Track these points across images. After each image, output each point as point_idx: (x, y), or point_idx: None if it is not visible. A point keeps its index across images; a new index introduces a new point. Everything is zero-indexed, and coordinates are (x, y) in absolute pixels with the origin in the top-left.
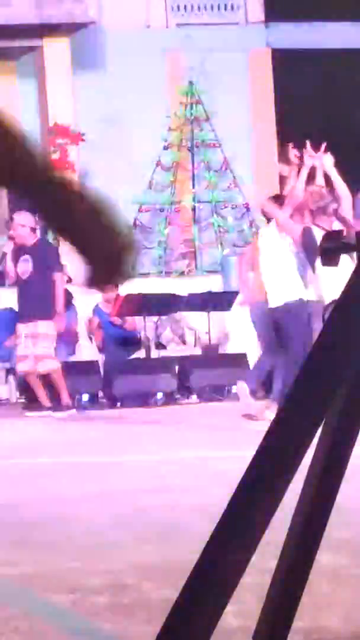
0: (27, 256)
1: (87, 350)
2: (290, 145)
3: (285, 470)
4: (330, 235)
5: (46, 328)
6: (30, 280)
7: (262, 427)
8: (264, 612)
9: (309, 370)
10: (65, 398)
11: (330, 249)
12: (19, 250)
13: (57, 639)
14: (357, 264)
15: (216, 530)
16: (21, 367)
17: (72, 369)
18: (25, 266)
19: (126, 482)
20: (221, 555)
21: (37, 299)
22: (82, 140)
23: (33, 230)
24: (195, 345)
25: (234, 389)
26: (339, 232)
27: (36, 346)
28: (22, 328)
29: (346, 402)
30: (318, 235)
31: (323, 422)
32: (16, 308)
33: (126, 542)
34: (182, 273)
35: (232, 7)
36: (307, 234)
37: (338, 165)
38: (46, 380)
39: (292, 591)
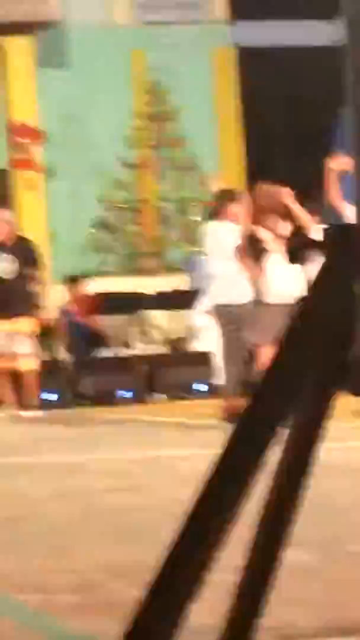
0: (7, 255)
1: (55, 349)
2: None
3: (249, 469)
4: (297, 233)
5: (27, 325)
6: (12, 278)
7: (226, 425)
8: (231, 610)
9: (272, 369)
10: (34, 397)
11: (298, 247)
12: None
13: (24, 638)
14: (324, 262)
15: (181, 528)
16: None
17: (40, 368)
18: (7, 265)
19: (93, 481)
20: (186, 553)
21: (19, 296)
22: (45, 139)
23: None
24: (162, 344)
25: (200, 386)
26: (306, 229)
27: (16, 344)
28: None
29: (309, 402)
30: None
31: (289, 420)
32: None
33: (93, 542)
34: (147, 271)
35: (196, 5)
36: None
37: (300, 163)
38: (17, 378)
39: (260, 588)
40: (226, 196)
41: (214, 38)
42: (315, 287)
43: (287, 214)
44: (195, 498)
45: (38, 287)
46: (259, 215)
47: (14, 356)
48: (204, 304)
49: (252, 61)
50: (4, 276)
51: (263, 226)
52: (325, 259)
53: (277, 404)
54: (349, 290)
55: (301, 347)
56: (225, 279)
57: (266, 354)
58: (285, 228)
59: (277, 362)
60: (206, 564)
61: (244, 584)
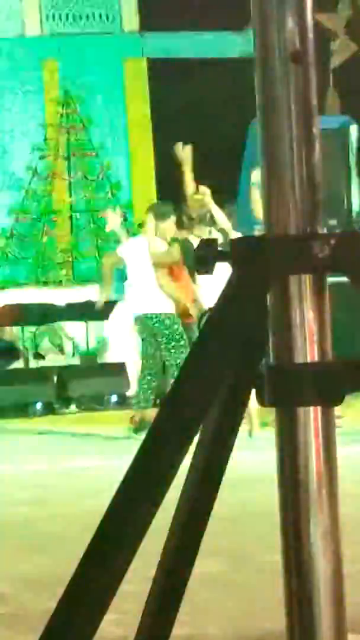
0: None
1: None
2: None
3: (160, 479)
4: (205, 243)
5: None
6: None
7: (137, 436)
8: (144, 620)
9: (184, 379)
10: None
11: (205, 257)
12: None
13: None
14: (231, 273)
15: (93, 539)
16: None
17: None
18: None
19: (5, 493)
20: (98, 564)
21: None
22: None
23: None
24: (73, 355)
25: (113, 398)
26: (214, 240)
27: None
28: None
29: (220, 413)
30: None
31: (200, 430)
32: None
33: (4, 553)
34: (59, 282)
35: (107, 17)
36: (184, 246)
37: (209, 173)
38: None
39: (171, 598)
40: (157, 215)
41: (125, 49)
42: (223, 299)
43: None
44: (107, 508)
45: None
46: (189, 223)
47: None
48: (124, 313)
49: (163, 72)
50: None
51: (193, 234)
52: (233, 270)
53: (187, 414)
54: (258, 302)
55: (211, 357)
56: (143, 290)
57: None
58: (215, 235)
59: (186, 372)
60: (119, 574)
61: (156, 594)
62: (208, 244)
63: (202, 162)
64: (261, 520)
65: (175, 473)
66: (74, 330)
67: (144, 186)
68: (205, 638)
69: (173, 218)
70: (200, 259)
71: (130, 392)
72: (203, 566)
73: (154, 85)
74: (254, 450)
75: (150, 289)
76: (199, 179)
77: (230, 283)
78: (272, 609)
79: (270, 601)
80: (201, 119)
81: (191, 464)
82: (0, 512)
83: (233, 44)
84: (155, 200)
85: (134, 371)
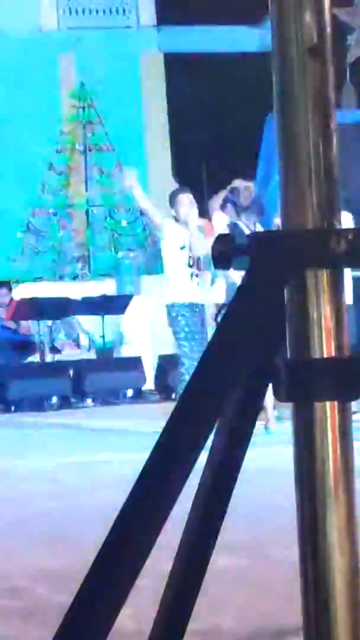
0: None
1: None
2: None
3: (177, 473)
4: (221, 238)
5: None
6: None
7: (154, 431)
8: (159, 615)
9: (200, 375)
10: None
11: (222, 252)
12: None
13: None
14: (248, 267)
15: (110, 533)
16: None
17: None
18: None
19: (21, 486)
20: (115, 558)
21: None
22: None
23: None
24: (89, 349)
25: (129, 392)
26: (229, 234)
27: None
28: None
29: (237, 407)
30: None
31: (217, 423)
32: None
33: (20, 546)
34: (75, 277)
35: (123, 11)
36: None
37: (226, 166)
38: None
39: (187, 593)
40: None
41: (142, 44)
42: (241, 293)
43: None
44: (124, 502)
45: None
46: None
47: None
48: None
49: (180, 66)
50: None
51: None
52: (250, 265)
53: (203, 408)
54: (275, 297)
55: (227, 352)
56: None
57: None
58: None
59: (203, 366)
60: (136, 568)
61: (172, 589)
62: (225, 238)
63: (218, 156)
64: (277, 515)
65: (192, 467)
66: (90, 324)
67: (161, 180)
68: (221, 633)
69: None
70: (219, 254)
71: (146, 387)
72: (218, 560)
73: (170, 79)
74: (270, 444)
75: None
76: (217, 172)
77: (247, 277)
78: (287, 604)
79: (286, 596)
80: (217, 113)
81: (208, 458)
82: (16, 505)
83: (249, 38)
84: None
85: (149, 365)
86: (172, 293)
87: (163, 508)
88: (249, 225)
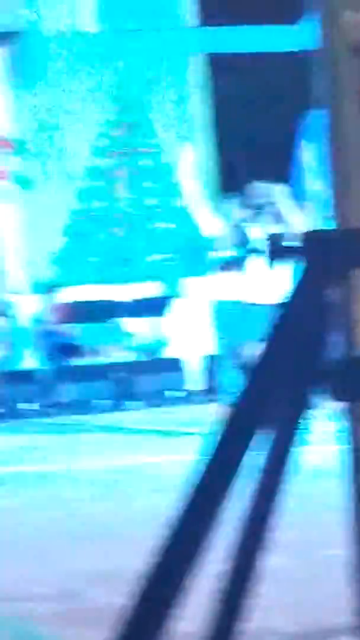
0: None
1: (28, 359)
2: None
3: (231, 474)
4: (276, 237)
5: None
6: None
7: (201, 432)
8: (213, 616)
9: (256, 372)
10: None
11: (277, 250)
12: None
13: None
14: (303, 266)
15: (167, 535)
16: None
17: (15, 378)
18: None
19: (72, 489)
20: (171, 562)
21: None
22: (13, 147)
23: None
24: (134, 352)
25: (175, 393)
26: (284, 234)
27: None
28: None
29: (289, 405)
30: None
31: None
32: None
33: (73, 550)
34: (119, 279)
35: (167, 12)
36: (238, 233)
37: (272, 166)
38: None
39: (240, 594)
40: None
41: (186, 44)
42: (296, 291)
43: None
44: (179, 504)
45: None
46: (251, 214)
47: None
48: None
49: (225, 67)
50: None
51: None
52: (305, 263)
53: (257, 409)
54: (329, 295)
55: (281, 351)
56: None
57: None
58: (278, 228)
59: (259, 366)
60: (191, 569)
61: (226, 590)
62: (279, 237)
63: (263, 155)
64: (325, 514)
65: (243, 466)
66: (135, 326)
67: (207, 181)
68: (270, 632)
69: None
70: (273, 252)
71: (192, 388)
72: (269, 561)
73: (214, 80)
74: (319, 443)
75: None
76: (258, 171)
77: (302, 276)
78: (336, 603)
79: (335, 595)
80: (262, 113)
81: (262, 462)
82: (67, 509)
83: (293, 37)
84: (218, 195)
85: (195, 367)
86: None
87: (217, 507)
88: (260, 228)
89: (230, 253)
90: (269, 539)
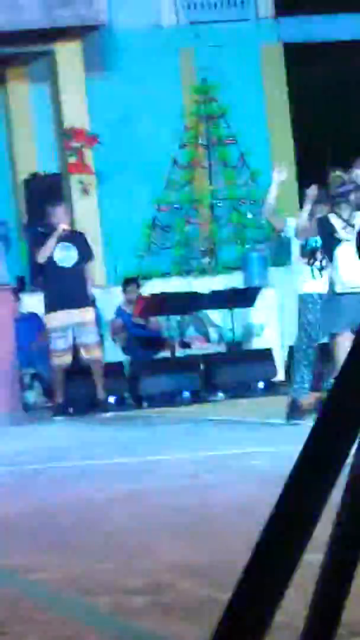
0: (67, 244)
1: (112, 352)
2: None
3: (334, 463)
4: None
5: (92, 315)
6: (72, 267)
7: (286, 423)
8: (312, 609)
9: (346, 377)
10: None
11: None
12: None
13: None
14: None
15: (266, 529)
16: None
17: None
18: (66, 253)
19: (158, 482)
20: (273, 554)
21: (81, 287)
22: (98, 142)
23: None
24: (219, 343)
25: (260, 384)
26: None
27: (84, 334)
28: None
29: None
30: (337, 223)
31: None
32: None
33: (161, 542)
34: (203, 271)
35: (242, 3)
36: (321, 223)
37: (351, 153)
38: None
39: (341, 586)
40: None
41: (261, 35)
42: None
43: None
44: (280, 495)
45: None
46: (331, 202)
47: (83, 348)
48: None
49: (300, 57)
50: (65, 265)
51: (334, 213)
52: None
53: (353, 405)
54: None
55: None
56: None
57: (343, 346)
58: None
59: (355, 356)
60: (293, 564)
61: (323, 582)
62: None
63: (341, 144)
64: None
65: (347, 457)
66: (219, 318)
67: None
68: None
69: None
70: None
71: (277, 378)
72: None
73: (291, 70)
74: None
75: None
76: (340, 160)
77: None
78: None
79: None
80: (339, 101)
81: (356, 451)
82: (155, 501)
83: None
84: (295, 185)
85: (279, 357)
86: (302, 284)
87: (320, 499)
88: (346, 218)
89: (316, 243)
90: None
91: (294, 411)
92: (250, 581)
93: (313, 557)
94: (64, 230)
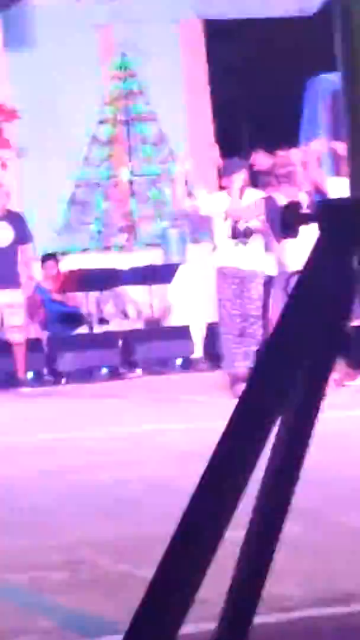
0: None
1: (30, 328)
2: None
3: (256, 440)
4: (290, 206)
5: (20, 297)
6: (5, 248)
7: (206, 400)
8: (234, 584)
9: (275, 341)
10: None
11: (290, 220)
12: None
13: (16, 617)
14: (318, 236)
15: (189, 507)
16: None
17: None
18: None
19: (75, 458)
20: (197, 531)
21: (11, 267)
22: (17, 117)
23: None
24: (137, 319)
25: (178, 361)
26: (298, 202)
27: (8, 316)
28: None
29: (308, 374)
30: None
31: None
32: None
33: (79, 519)
34: (121, 247)
35: None
36: (269, 202)
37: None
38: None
39: (261, 562)
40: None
41: (179, 11)
42: (311, 261)
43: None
44: (204, 471)
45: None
46: (276, 181)
47: (7, 328)
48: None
49: (218, 33)
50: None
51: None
52: (319, 234)
53: (279, 378)
54: (345, 264)
55: (300, 319)
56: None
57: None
58: (302, 196)
59: (278, 334)
60: (216, 541)
61: (246, 557)
62: (293, 207)
63: (259, 121)
64: (333, 482)
65: (269, 433)
66: (138, 295)
67: (203, 149)
68: (283, 599)
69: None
70: (287, 222)
71: (195, 355)
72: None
73: (210, 47)
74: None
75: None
76: (258, 138)
77: (317, 246)
78: (349, 570)
79: (348, 563)
80: (257, 79)
81: (279, 427)
82: (75, 478)
83: (287, 3)
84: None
85: (198, 334)
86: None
87: (242, 477)
88: (289, 198)
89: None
90: (288, 508)
91: (235, 382)
92: (174, 557)
93: (233, 534)
94: None
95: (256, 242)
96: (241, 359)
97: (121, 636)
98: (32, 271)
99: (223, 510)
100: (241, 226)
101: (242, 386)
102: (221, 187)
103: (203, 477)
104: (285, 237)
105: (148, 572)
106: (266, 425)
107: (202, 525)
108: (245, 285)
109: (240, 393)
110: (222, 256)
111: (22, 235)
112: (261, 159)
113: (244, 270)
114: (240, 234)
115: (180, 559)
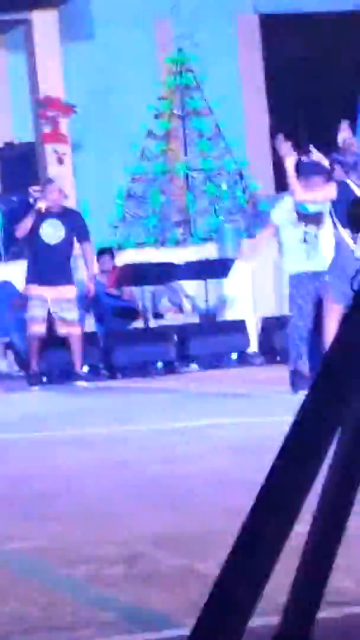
0: (54, 220)
1: (86, 322)
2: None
3: (324, 439)
4: (358, 202)
5: (72, 292)
6: (57, 244)
7: (261, 394)
8: (297, 580)
9: (329, 365)
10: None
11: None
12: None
13: (75, 611)
14: None
15: (256, 504)
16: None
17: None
18: (53, 230)
19: (132, 452)
20: (264, 528)
21: (64, 263)
22: (74, 111)
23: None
24: (192, 314)
25: (233, 356)
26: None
27: (63, 310)
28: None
29: None
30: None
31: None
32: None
33: (136, 512)
34: (177, 242)
35: None
36: (342, 187)
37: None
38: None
39: (325, 558)
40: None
41: (237, 6)
42: None
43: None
44: (272, 466)
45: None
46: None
47: (62, 322)
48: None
49: (276, 28)
50: (51, 242)
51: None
52: None
53: (347, 376)
54: None
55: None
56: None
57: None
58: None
59: (342, 341)
60: (285, 534)
61: (311, 552)
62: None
63: (316, 116)
64: None
65: (335, 434)
66: (193, 289)
67: (259, 143)
68: (340, 592)
69: None
70: (355, 217)
71: (250, 350)
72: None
73: (267, 41)
74: None
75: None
76: (315, 132)
77: None
78: None
79: None
80: (314, 73)
81: (342, 428)
82: (129, 472)
83: None
84: (270, 156)
85: (253, 328)
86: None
87: (311, 473)
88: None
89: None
90: (353, 504)
91: (299, 379)
92: (242, 553)
93: (297, 528)
94: (40, 208)
95: (325, 237)
96: (306, 357)
97: (182, 630)
98: (94, 269)
99: (290, 507)
100: (312, 210)
101: (302, 382)
102: (279, 186)
103: (270, 473)
104: (354, 233)
105: (207, 566)
106: (332, 424)
107: (269, 522)
108: (324, 287)
109: (300, 389)
110: (295, 261)
111: (81, 233)
112: (317, 156)
113: (320, 272)
114: (311, 220)
115: (248, 556)
